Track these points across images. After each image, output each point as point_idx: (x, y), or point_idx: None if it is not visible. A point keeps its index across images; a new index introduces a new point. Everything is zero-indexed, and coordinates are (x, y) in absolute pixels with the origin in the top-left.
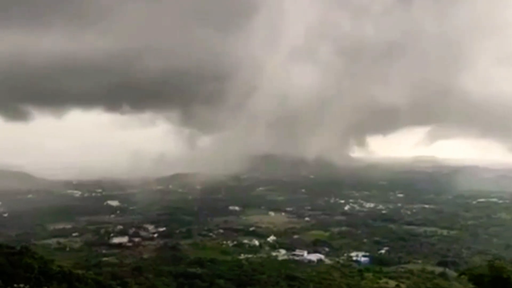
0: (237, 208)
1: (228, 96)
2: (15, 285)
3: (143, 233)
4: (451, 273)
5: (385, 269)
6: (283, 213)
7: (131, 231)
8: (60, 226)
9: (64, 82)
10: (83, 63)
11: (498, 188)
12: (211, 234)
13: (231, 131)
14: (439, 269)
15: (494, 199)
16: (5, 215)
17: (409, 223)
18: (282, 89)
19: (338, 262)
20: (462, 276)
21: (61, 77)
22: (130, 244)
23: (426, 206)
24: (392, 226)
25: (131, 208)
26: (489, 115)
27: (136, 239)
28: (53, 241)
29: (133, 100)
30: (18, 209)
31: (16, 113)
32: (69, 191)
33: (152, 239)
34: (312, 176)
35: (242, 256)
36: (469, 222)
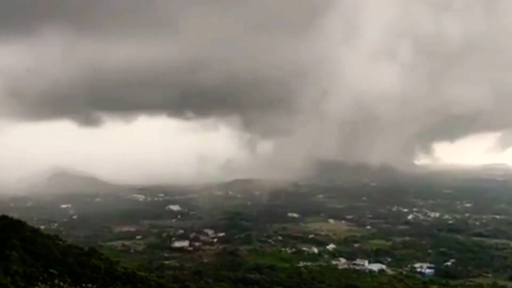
0: (296, 215)
1: (292, 101)
2: (83, 285)
3: (203, 237)
4: None
5: (452, 282)
6: (343, 221)
7: (192, 235)
8: (125, 228)
9: (133, 90)
10: (150, 71)
11: None
12: (270, 240)
13: (293, 136)
14: (511, 284)
15: None
16: (75, 217)
17: (478, 235)
18: (352, 92)
19: (400, 273)
20: None
21: (130, 85)
22: (190, 248)
23: (497, 216)
24: (459, 237)
25: (191, 213)
26: None
27: (197, 244)
28: (118, 243)
29: (197, 106)
30: (87, 212)
31: (88, 119)
32: (134, 195)
33: (211, 244)
34: (373, 184)
35: (301, 264)
36: None
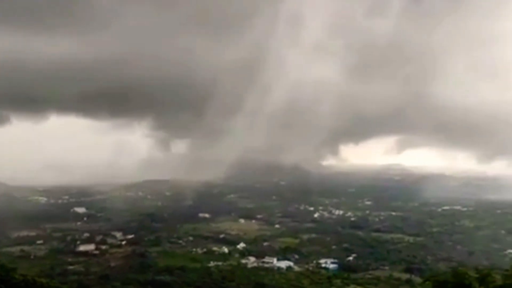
0: (207, 215)
1: (209, 101)
2: None
3: (110, 240)
4: (417, 279)
5: (353, 275)
6: (253, 220)
7: (98, 238)
8: (23, 233)
9: (44, 88)
10: (63, 69)
11: (462, 195)
12: (180, 241)
13: (208, 136)
14: (405, 276)
15: (458, 207)
16: None
17: (377, 230)
18: (269, 94)
19: (307, 269)
20: (427, 283)
21: (42, 82)
22: (97, 252)
23: (393, 213)
24: (360, 233)
25: (99, 215)
26: (456, 125)
27: (103, 247)
28: (16, 249)
29: (111, 105)
30: None
31: None
32: (35, 198)
33: (119, 246)
34: (283, 183)
35: (212, 264)
36: (434, 229)
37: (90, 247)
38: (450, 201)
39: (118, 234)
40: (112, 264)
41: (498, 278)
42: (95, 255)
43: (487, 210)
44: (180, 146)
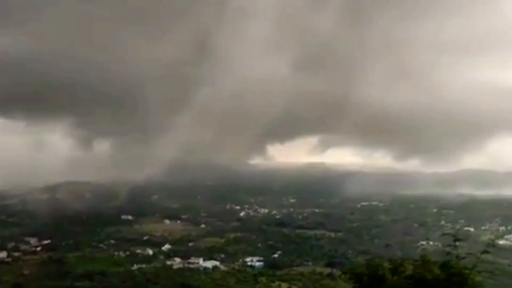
0: (130, 217)
1: (137, 100)
2: None
3: (24, 246)
4: (338, 273)
5: (278, 272)
6: (178, 221)
7: (10, 245)
8: None
9: None
10: None
11: (380, 192)
12: (101, 245)
13: (133, 136)
14: (327, 270)
15: (376, 202)
16: None
17: (301, 227)
18: (204, 91)
19: (233, 268)
20: (345, 275)
21: None
22: (8, 259)
23: (316, 210)
24: (285, 230)
25: (10, 220)
26: (375, 125)
27: (16, 254)
28: None
29: (27, 104)
30: None
31: None
32: None
33: (34, 253)
34: (209, 183)
35: (135, 267)
36: (354, 224)
37: (1, 254)
38: (368, 197)
39: (33, 240)
40: (26, 271)
41: (409, 268)
42: (7, 263)
43: (402, 204)
44: (103, 145)
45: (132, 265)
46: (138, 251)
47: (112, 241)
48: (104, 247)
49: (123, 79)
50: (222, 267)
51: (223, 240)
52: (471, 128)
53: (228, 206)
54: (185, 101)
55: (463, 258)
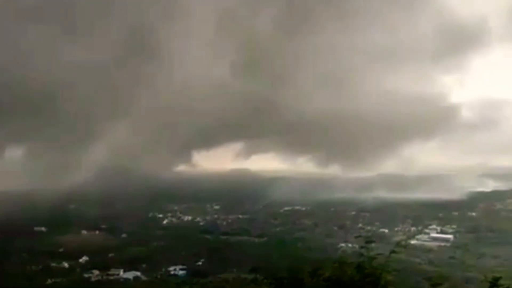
0: (43, 228)
1: (56, 105)
2: None
3: None
4: (261, 278)
5: (202, 280)
6: (97, 231)
7: None
8: None
9: None
10: None
11: (302, 196)
12: (12, 259)
13: (53, 143)
14: (251, 276)
15: (298, 207)
16: None
17: (225, 233)
18: (136, 96)
19: (155, 277)
20: (266, 280)
21: None
22: None
23: (240, 216)
24: (209, 237)
25: None
26: (299, 131)
27: None
28: None
29: None
30: None
31: None
32: None
33: None
34: (131, 190)
35: (49, 281)
36: (277, 229)
37: None
38: (291, 202)
39: None
40: None
41: (327, 271)
42: None
43: (323, 208)
44: (17, 152)
45: (46, 280)
46: (53, 264)
47: (24, 255)
48: (15, 261)
49: (42, 82)
50: (144, 278)
51: (145, 249)
52: (387, 134)
53: (150, 214)
54: (115, 105)
55: (375, 258)
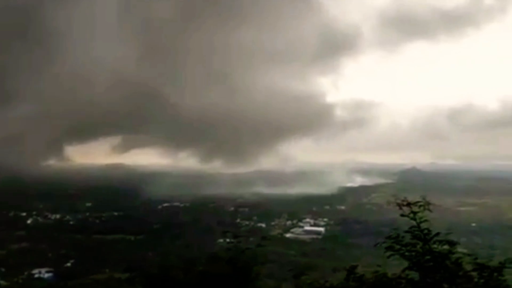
0: None
1: None
2: None
3: None
4: (138, 276)
5: (70, 283)
6: None
7: None
8: None
9: None
10: None
11: (183, 192)
12: None
13: None
14: (125, 275)
15: (177, 203)
16: None
17: (98, 232)
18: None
19: (16, 282)
20: (138, 279)
21: None
22: None
23: (116, 213)
24: (79, 236)
25: None
26: (182, 126)
27: None
28: None
29: None
30: None
31: None
32: None
33: None
34: None
35: None
36: (155, 226)
37: None
38: (170, 198)
39: None
40: None
41: (200, 266)
42: None
43: (203, 204)
44: None
45: None
46: None
47: None
48: None
49: None
50: (3, 283)
51: (4, 252)
52: (268, 131)
53: (12, 213)
54: None
55: (243, 252)
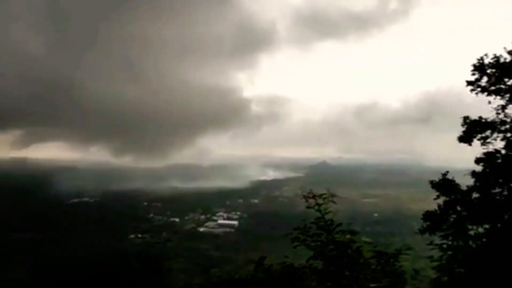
0: None
1: None
2: None
3: None
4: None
5: None
6: None
7: None
8: None
9: None
10: None
11: (93, 187)
12: None
13: None
14: (26, 277)
15: (87, 199)
16: None
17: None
18: None
19: None
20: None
21: None
22: None
23: (18, 212)
24: None
25: None
26: (94, 119)
27: None
28: None
29: None
30: None
31: None
32: None
33: None
34: None
35: None
36: (60, 224)
37: None
38: (79, 193)
39: None
40: None
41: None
42: None
43: (114, 199)
44: None
45: None
46: None
47: None
48: None
49: None
50: None
51: None
52: (185, 125)
53: None
54: None
55: (153, 246)
